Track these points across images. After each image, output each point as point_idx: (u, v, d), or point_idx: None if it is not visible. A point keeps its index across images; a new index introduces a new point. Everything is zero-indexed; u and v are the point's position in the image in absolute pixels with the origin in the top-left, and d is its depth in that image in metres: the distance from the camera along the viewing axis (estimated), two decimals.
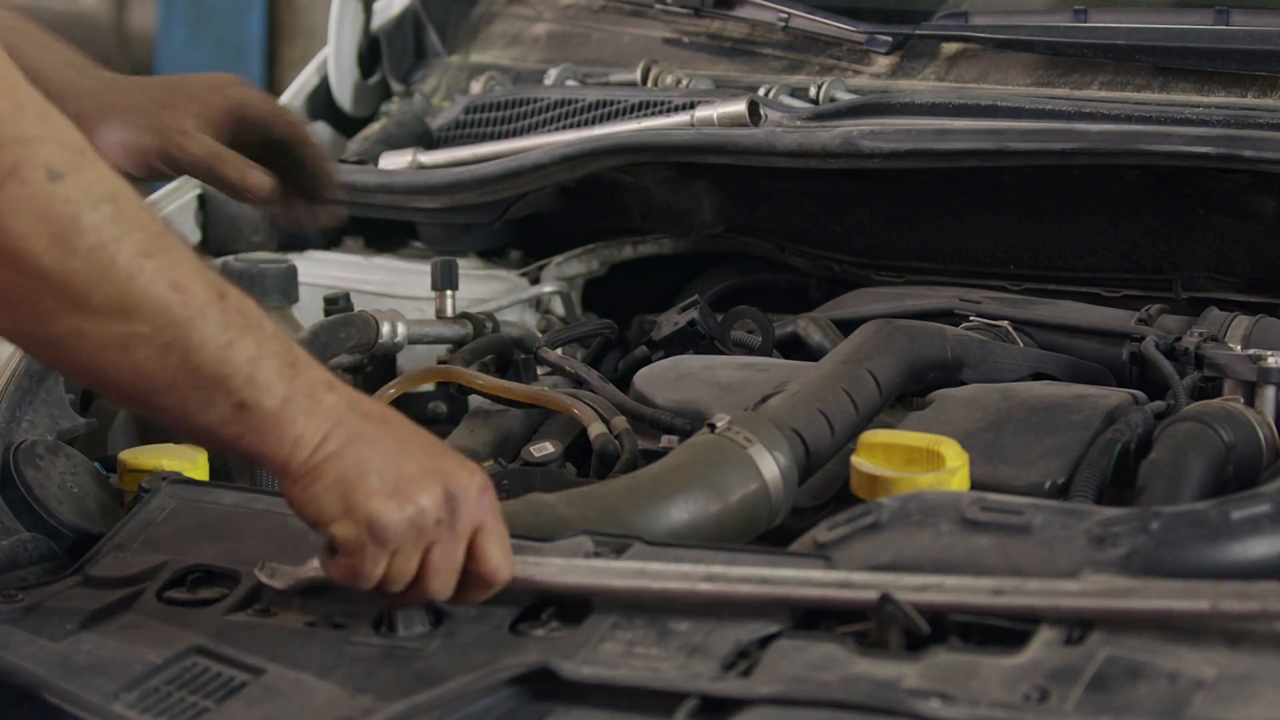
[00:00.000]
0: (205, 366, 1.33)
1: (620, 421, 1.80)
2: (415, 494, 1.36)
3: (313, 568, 1.44)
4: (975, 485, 1.56)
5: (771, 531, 1.61)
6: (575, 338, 2.08)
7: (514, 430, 1.94)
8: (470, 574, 1.40)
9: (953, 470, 1.54)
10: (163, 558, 1.53)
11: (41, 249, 1.30)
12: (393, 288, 2.29)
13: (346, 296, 2.16)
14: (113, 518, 1.67)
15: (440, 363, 2.02)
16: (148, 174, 1.81)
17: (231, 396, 1.34)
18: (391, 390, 1.92)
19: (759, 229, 2.29)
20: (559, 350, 2.03)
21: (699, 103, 2.21)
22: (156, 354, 1.32)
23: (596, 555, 1.43)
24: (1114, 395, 1.75)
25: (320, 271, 2.30)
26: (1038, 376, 1.88)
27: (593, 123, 2.31)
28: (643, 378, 1.89)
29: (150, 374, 1.33)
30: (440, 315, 2.10)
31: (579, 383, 1.95)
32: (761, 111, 2.16)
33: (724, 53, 2.43)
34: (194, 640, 1.41)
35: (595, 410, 1.82)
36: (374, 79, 2.64)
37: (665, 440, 1.78)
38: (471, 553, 1.39)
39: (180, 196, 2.32)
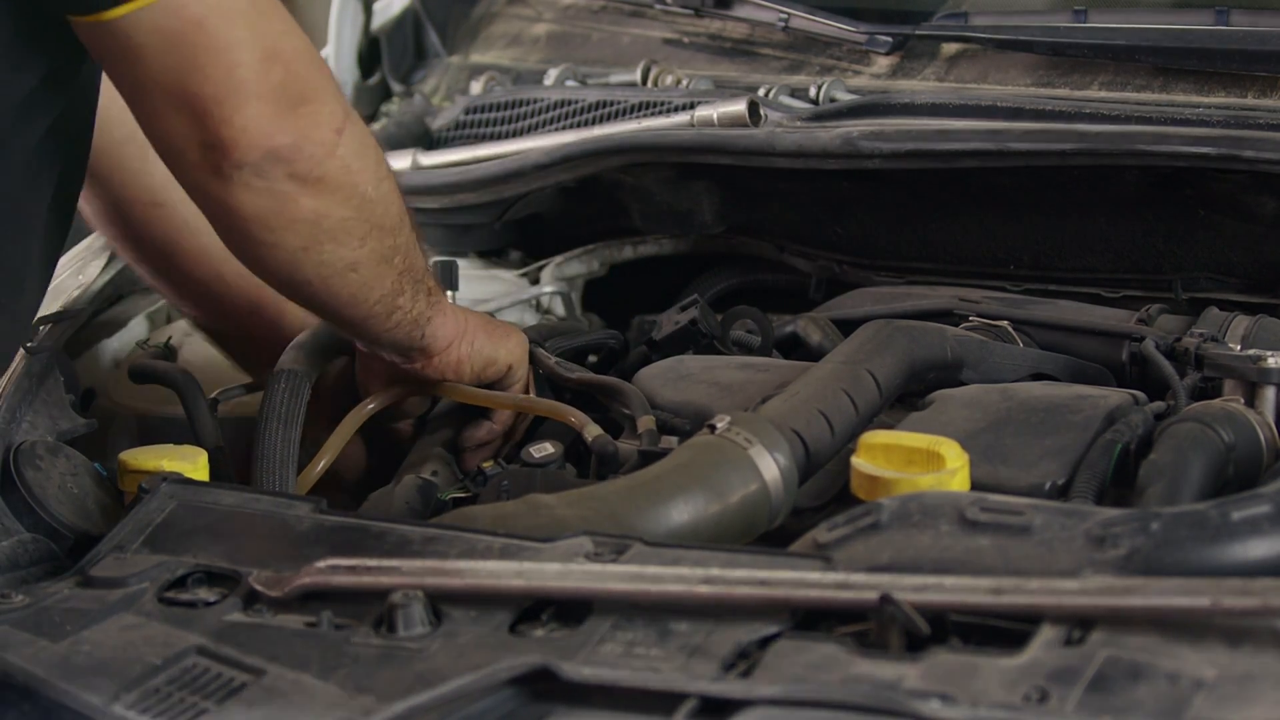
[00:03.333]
0: (416, 265, 1.73)
1: (648, 420, 1.79)
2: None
3: (307, 574, 1.44)
4: (975, 486, 1.56)
5: (772, 532, 1.61)
6: (578, 348, 2.04)
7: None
8: None
9: (953, 471, 1.54)
10: (162, 558, 1.53)
11: (368, 179, 1.62)
12: None
13: None
14: (113, 518, 1.67)
15: None
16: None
17: (426, 285, 1.76)
18: (371, 406, 1.89)
19: (759, 229, 2.29)
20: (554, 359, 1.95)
21: (699, 103, 2.21)
22: (400, 258, 1.70)
23: (596, 556, 1.42)
24: (1114, 396, 1.75)
25: None
26: (1038, 377, 1.88)
27: (593, 123, 2.31)
28: (643, 378, 1.89)
29: (397, 277, 1.70)
30: None
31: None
32: (761, 112, 2.16)
33: (724, 53, 2.43)
34: (194, 640, 1.41)
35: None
36: (374, 79, 2.64)
37: (665, 441, 1.78)
38: None
39: None
